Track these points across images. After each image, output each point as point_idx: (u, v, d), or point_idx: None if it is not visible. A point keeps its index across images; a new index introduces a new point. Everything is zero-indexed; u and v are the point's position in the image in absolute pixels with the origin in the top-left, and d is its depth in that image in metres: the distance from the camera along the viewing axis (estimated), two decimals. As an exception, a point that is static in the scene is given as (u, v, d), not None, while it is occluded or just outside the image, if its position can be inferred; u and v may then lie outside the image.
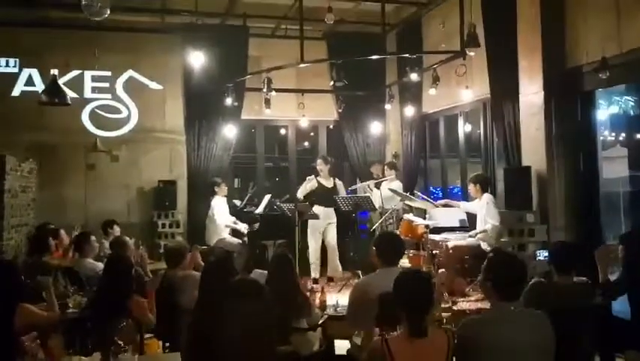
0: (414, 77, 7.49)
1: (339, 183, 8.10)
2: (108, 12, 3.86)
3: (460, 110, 8.25)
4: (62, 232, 7.02)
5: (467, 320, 2.84)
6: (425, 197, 7.45)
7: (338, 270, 7.89)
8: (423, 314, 2.67)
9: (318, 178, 7.96)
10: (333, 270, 7.88)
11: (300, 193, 7.86)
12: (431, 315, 2.99)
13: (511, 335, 2.67)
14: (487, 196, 6.41)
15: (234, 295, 2.46)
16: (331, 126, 10.14)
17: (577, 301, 3.72)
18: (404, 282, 2.84)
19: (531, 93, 6.36)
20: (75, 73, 8.74)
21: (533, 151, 6.34)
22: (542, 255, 5.81)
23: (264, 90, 7.76)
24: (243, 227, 8.31)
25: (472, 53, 6.30)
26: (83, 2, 3.74)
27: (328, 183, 7.97)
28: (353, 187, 8.85)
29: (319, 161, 8.04)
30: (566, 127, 6.19)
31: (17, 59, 8.57)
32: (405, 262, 6.51)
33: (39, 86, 8.46)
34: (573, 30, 6.11)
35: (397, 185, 8.25)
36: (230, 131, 8.86)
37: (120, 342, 3.29)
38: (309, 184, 7.90)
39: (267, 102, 8.26)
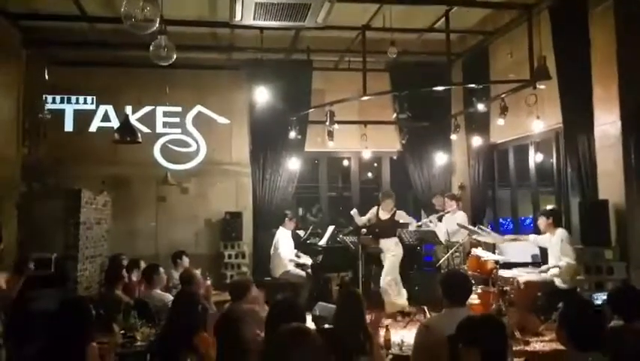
0: (481, 107, 7.31)
1: (399, 213, 7.90)
2: (175, 57, 3.99)
3: (531, 140, 7.96)
4: (142, 262, 7.09)
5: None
6: (491, 231, 7.15)
7: (393, 306, 7.61)
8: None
9: (379, 210, 7.89)
10: (389, 306, 7.62)
11: (360, 222, 7.84)
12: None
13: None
14: (561, 232, 6.10)
15: (284, 343, 2.45)
16: (395, 157, 10.04)
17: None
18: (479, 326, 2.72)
19: (607, 123, 6.05)
20: (147, 109, 9.15)
21: (611, 184, 6.00)
22: (600, 298, 5.39)
23: (327, 123, 7.83)
24: (307, 259, 8.30)
25: (542, 86, 6.08)
26: (152, 49, 3.89)
27: (384, 215, 7.85)
28: (415, 225, 8.56)
29: (381, 196, 7.96)
30: (646, 158, 5.82)
31: (94, 97, 9.05)
32: (474, 299, 6.27)
33: (114, 121, 8.89)
34: (653, 57, 5.79)
35: (461, 216, 7.94)
36: (294, 164, 8.95)
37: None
38: (369, 215, 7.89)
39: (330, 134, 8.29)
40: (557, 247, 6.04)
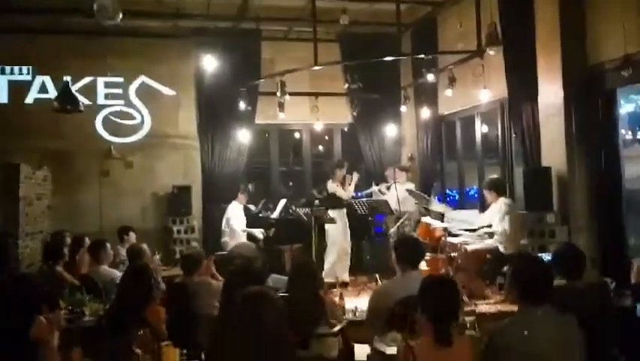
0: (430, 78, 7.38)
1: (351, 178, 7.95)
2: (120, 17, 3.81)
3: (477, 111, 8.11)
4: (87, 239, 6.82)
5: (495, 329, 2.78)
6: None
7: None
8: (449, 322, 2.65)
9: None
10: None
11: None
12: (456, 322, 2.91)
13: (539, 340, 2.63)
14: (503, 200, 6.32)
15: (249, 305, 2.45)
16: (346, 129, 10.04)
17: (600, 302, 3.58)
18: (431, 288, 2.80)
19: (550, 93, 6.23)
20: (88, 79, 8.74)
21: (553, 152, 6.22)
22: (545, 258, 5.61)
23: (278, 94, 7.72)
24: (259, 232, 8.25)
25: (492, 52, 6.17)
26: (95, 7, 3.70)
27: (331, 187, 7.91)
28: (366, 191, 8.65)
29: (331, 168, 7.98)
30: (586, 127, 6.06)
31: (30, 67, 8.58)
32: (423, 266, 6.40)
33: (52, 93, 8.46)
34: (594, 28, 5.98)
35: (410, 187, 8.05)
36: (244, 136, 8.81)
37: (138, 351, 3.23)
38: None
39: (281, 106, 8.18)
40: (497, 216, 6.24)
